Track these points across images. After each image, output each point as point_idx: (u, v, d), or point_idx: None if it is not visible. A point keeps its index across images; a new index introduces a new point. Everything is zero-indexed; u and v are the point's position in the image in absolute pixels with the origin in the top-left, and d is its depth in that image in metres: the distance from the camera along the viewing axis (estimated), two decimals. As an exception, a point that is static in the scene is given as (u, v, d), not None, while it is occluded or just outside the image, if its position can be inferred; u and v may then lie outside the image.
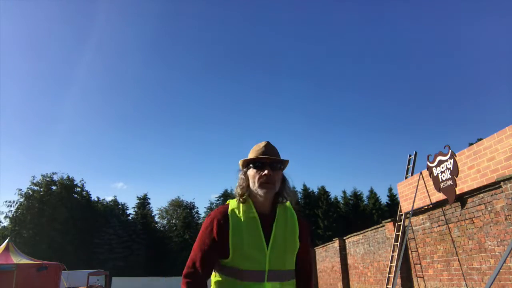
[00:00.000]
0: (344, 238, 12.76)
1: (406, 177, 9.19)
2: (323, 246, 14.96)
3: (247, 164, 1.59)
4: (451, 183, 6.99)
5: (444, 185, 7.24)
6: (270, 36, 71.26)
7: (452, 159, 7.03)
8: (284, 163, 1.60)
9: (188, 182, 72.49)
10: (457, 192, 6.80)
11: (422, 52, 66.73)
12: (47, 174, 42.70)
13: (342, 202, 44.25)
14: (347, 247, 12.53)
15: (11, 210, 39.95)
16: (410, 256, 8.42)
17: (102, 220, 42.62)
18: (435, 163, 7.58)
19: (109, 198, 62.65)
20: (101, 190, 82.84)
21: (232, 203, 1.57)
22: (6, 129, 62.11)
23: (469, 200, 6.54)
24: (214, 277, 1.54)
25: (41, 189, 41.40)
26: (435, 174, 7.58)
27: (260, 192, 1.50)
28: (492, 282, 4.76)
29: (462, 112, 64.54)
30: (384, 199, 44.78)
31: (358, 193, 44.70)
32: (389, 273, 8.49)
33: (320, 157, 70.13)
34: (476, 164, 6.38)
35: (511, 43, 57.15)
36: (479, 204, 6.27)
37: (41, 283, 13.07)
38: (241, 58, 74.19)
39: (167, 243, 44.54)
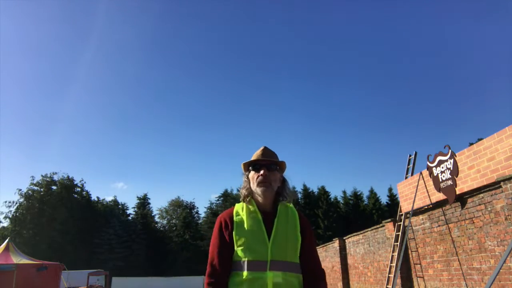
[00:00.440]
0: (344, 238, 12.76)
1: (406, 177, 9.19)
2: (323, 246, 14.96)
3: (247, 167, 1.76)
4: (451, 183, 6.99)
5: (444, 185, 7.24)
6: (270, 35, 71.30)
7: (452, 159, 7.03)
8: (280, 164, 1.76)
9: (188, 182, 72.54)
10: (457, 192, 6.80)
11: (422, 52, 66.75)
12: (46, 174, 42.71)
13: (342, 202, 44.26)
14: (347, 247, 12.53)
15: (11, 211, 39.96)
16: (410, 256, 8.41)
17: (102, 220, 42.60)
18: (435, 163, 7.58)
19: (109, 198, 62.68)
20: (101, 190, 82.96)
21: (238, 206, 1.74)
22: (6, 129, 62.14)
23: (469, 200, 6.54)
24: None
25: (41, 189, 41.40)
26: (435, 174, 7.57)
27: (258, 191, 1.66)
28: (492, 282, 4.76)
29: (462, 112, 64.58)
30: (384, 199, 44.80)
31: (358, 193, 44.71)
32: (389, 273, 8.49)
33: (320, 157, 70.17)
34: (476, 164, 6.38)
35: (511, 43, 57.15)
36: (479, 204, 6.27)
37: (41, 283, 13.07)
38: (241, 58, 74.24)
39: (167, 243, 44.52)
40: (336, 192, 71.78)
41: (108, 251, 39.67)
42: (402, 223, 8.65)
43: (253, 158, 1.74)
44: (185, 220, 46.39)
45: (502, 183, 5.54)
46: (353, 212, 42.44)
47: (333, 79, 71.22)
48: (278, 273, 1.51)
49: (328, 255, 14.06)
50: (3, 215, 40.29)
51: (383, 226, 9.77)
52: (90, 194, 46.07)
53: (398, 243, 8.55)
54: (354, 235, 11.94)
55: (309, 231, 1.69)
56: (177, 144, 72.58)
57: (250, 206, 1.68)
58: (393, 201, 41.40)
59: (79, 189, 44.79)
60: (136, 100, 72.64)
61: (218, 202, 46.95)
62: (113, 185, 69.28)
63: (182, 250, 42.82)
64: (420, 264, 8.03)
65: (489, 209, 6.01)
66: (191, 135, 72.27)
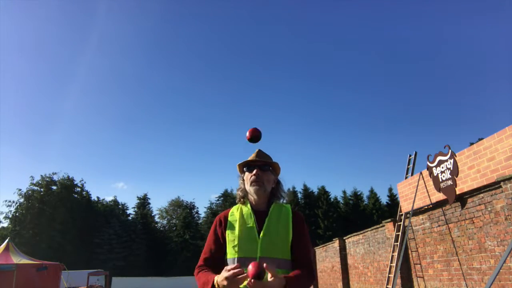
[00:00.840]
0: (344, 238, 12.76)
1: (406, 177, 9.19)
2: (323, 246, 14.96)
3: (242, 169, 1.83)
4: (451, 183, 6.99)
5: (444, 185, 7.24)
6: (271, 35, 71.30)
7: (452, 159, 7.03)
8: (274, 166, 1.82)
9: (188, 182, 72.56)
10: (457, 192, 6.80)
11: (422, 51, 66.75)
12: (45, 174, 42.70)
13: (342, 202, 44.26)
14: (347, 247, 12.53)
15: (11, 210, 39.97)
16: (410, 256, 8.41)
17: (102, 220, 42.63)
18: (435, 163, 7.58)
19: (109, 198, 62.71)
20: (101, 190, 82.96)
21: (234, 207, 1.79)
22: (6, 129, 62.15)
23: (469, 200, 6.54)
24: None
25: (41, 189, 41.40)
26: (435, 174, 7.57)
27: (251, 190, 1.72)
28: (492, 282, 4.76)
29: (462, 112, 64.60)
30: (384, 199, 44.83)
31: (358, 193, 44.72)
32: (389, 273, 8.49)
33: (320, 157, 70.17)
34: (476, 164, 6.38)
35: (511, 43, 57.17)
36: (479, 204, 6.27)
37: (41, 283, 13.07)
38: (241, 57, 74.25)
39: (167, 243, 44.54)
40: (336, 192, 71.83)
41: (108, 251, 39.68)
42: (402, 223, 8.65)
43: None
44: (185, 220, 46.40)
45: (502, 183, 5.54)
46: (353, 212, 42.44)
47: (333, 79, 71.27)
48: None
49: (328, 255, 14.06)
50: (3, 215, 40.33)
51: (383, 226, 9.77)
52: (90, 194, 46.13)
53: (398, 243, 8.55)
54: (354, 235, 11.93)
55: (301, 226, 1.70)
56: (177, 144, 72.63)
57: (244, 207, 1.74)
58: (393, 201, 41.41)
59: (79, 189, 44.81)
60: (136, 100, 72.69)
61: (218, 202, 46.99)
62: (113, 185, 69.35)
63: (182, 250, 42.84)
64: (420, 264, 8.03)
65: (489, 209, 6.01)
66: (191, 135, 72.34)
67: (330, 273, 13.59)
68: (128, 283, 27.60)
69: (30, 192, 40.91)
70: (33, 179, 41.68)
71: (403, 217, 8.71)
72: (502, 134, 5.81)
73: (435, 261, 7.52)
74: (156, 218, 50.15)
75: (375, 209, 41.88)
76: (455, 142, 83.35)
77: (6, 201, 43.20)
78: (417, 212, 8.25)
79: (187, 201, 49.97)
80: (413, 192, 8.34)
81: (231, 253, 1.61)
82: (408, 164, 9.37)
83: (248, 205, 1.73)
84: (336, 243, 13.11)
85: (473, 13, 61.91)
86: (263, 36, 71.82)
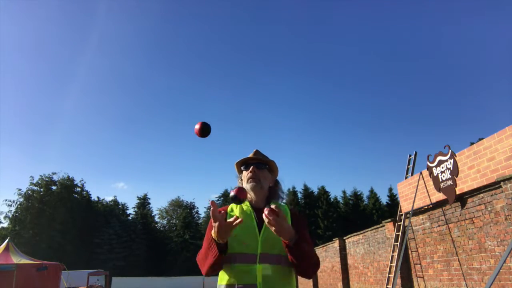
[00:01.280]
0: (344, 238, 12.76)
1: (406, 177, 9.19)
2: (323, 246, 14.96)
3: (240, 169, 1.86)
4: (451, 183, 6.99)
5: (444, 185, 7.24)
6: (272, 34, 71.29)
7: (452, 159, 7.03)
8: (270, 164, 1.84)
9: (188, 182, 72.58)
10: (457, 192, 6.80)
11: (422, 51, 66.76)
12: (44, 174, 42.68)
13: (342, 202, 44.25)
14: (347, 247, 12.53)
15: (11, 210, 39.96)
16: (410, 256, 8.41)
17: (102, 220, 42.63)
18: (435, 163, 7.58)
19: (109, 198, 62.71)
20: (102, 190, 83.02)
21: (233, 204, 1.78)
22: (6, 129, 62.16)
23: (469, 200, 6.54)
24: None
25: (41, 189, 41.39)
26: (435, 174, 7.58)
27: (248, 187, 1.74)
28: (492, 282, 4.77)
29: (462, 112, 64.61)
30: (384, 199, 44.82)
31: (358, 193, 44.71)
32: (389, 273, 8.49)
33: (320, 157, 70.19)
34: (476, 164, 6.38)
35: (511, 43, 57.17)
36: (479, 204, 6.27)
37: (41, 283, 13.07)
38: (242, 56, 74.24)
39: (167, 243, 44.54)
40: (336, 192, 71.83)
41: (108, 251, 39.69)
42: (402, 223, 8.65)
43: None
44: (185, 220, 46.40)
45: (502, 183, 5.55)
46: (353, 212, 42.43)
47: (334, 79, 71.27)
48: (268, 266, 1.54)
49: (328, 255, 14.06)
50: (3, 215, 40.31)
51: (383, 226, 9.78)
52: (90, 194, 46.13)
53: (398, 243, 8.55)
54: (354, 235, 11.94)
55: (301, 223, 1.70)
56: (177, 144, 72.64)
57: (243, 204, 1.74)
58: (393, 201, 41.40)
59: (79, 189, 44.81)
60: (136, 99, 72.70)
61: (218, 202, 46.96)
62: (113, 185, 69.37)
63: (182, 250, 42.84)
64: (420, 264, 8.03)
65: (489, 209, 6.01)
66: (191, 135, 72.29)
67: (330, 273, 13.59)
68: (128, 283, 27.61)
69: (30, 192, 40.91)
70: (33, 179, 41.68)
71: (403, 217, 8.71)
72: (502, 134, 5.81)
73: (435, 261, 7.52)
74: (156, 218, 50.18)
75: (375, 209, 41.87)
76: (455, 142, 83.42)
77: (6, 200, 43.20)
78: (417, 212, 8.25)
79: (187, 201, 49.98)
80: (413, 192, 8.34)
81: (231, 248, 1.59)
82: (408, 164, 9.37)
83: (247, 202, 1.74)
84: (336, 243, 13.11)
85: (473, 13, 61.94)
86: (263, 35, 71.85)
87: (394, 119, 68.27)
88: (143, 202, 48.41)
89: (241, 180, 1.83)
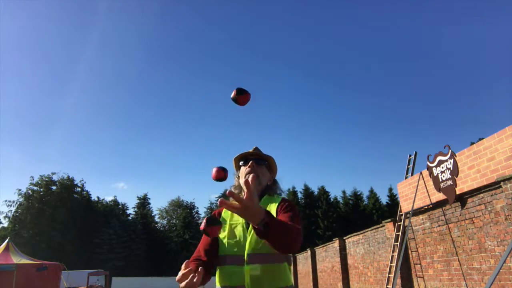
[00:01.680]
0: (344, 238, 12.76)
1: (406, 177, 9.19)
2: (323, 246, 14.95)
3: (238, 165, 1.82)
4: (451, 183, 6.99)
5: (444, 185, 7.24)
6: (273, 34, 71.29)
7: (452, 159, 7.03)
8: (269, 160, 1.79)
9: (188, 182, 72.58)
10: (457, 192, 6.80)
11: (422, 51, 66.75)
12: (44, 174, 42.69)
13: (342, 202, 44.25)
14: (347, 247, 12.52)
15: (11, 210, 39.97)
16: (410, 256, 8.41)
17: (102, 220, 42.64)
18: (435, 163, 7.58)
19: (109, 198, 62.68)
20: (102, 190, 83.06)
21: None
22: (6, 129, 62.14)
23: (469, 200, 6.54)
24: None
25: (41, 189, 41.38)
26: (435, 174, 7.58)
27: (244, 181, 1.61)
28: (492, 282, 4.77)
29: (462, 112, 64.61)
30: (384, 199, 44.83)
31: (358, 193, 44.71)
32: (389, 273, 8.49)
33: (320, 156, 70.18)
34: (476, 164, 6.38)
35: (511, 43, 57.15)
36: (479, 204, 6.27)
37: (41, 283, 13.07)
38: (243, 55, 74.25)
39: (167, 243, 44.54)
40: (336, 192, 71.86)
41: (108, 251, 39.69)
42: (402, 223, 8.65)
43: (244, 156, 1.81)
44: (185, 220, 46.41)
45: (502, 183, 5.54)
46: (353, 212, 42.43)
47: (334, 79, 71.28)
48: (256, 266, 1.49)
49: (328, 255, 14.06)
50: (3, 215, 40.33)
51: (383, 226, 9.77)
52: (90, 194, 46.15)
53: (398, 243, 8.55)
54: (354, 235, 11.93)
55: (284, 207, 1.60)
56: (177, 144, 72.62)
57: (236, 203, 1.66)
58: (393, 201, 41.40)
59: (79, 189, 44.81)
60: (137, 99, 72.67)
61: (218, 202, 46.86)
62: (113, 185, 69.39)
63: (182, 250, 42.85)
64: (420, 264, 8.03)
65: (489, 209, 6.01)
66: (191, 135, 72.34)
67: (330, 273, 13.59)
68: (128, 283, 27.61)
69: (30, 192, 40.91)
70: (33, 179, 41.69)
71: (403, 217, 8.71)
72: (502, 134, 5.81)
73: (435, 261, 7.52)
74: (156, 218, 50.20)
75: (375, 209, 41.87)
76: (455, 142, 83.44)
77: (6, 201, 43.21)
78: (417, 212, 8.25)
79: (187, 201, 50.00)
80: (413, 192, 8.34)
81: (221, 250, 1.57)
82: (408, 164, 9.37)
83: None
84: (336, 243, 13.11)
85: (473, 13, 61.93)
86: (264, 35, 71.85)
87: (394, 119, 68.35)
88: (143, 202, 48.42)
89: (238, 177, 1.79)
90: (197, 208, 50.79)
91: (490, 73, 62.10)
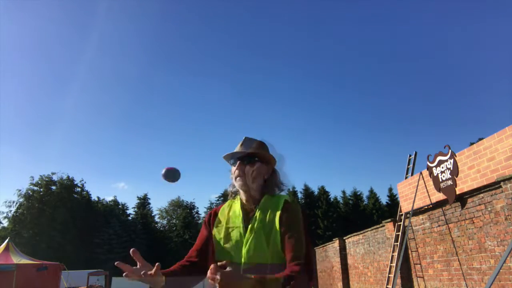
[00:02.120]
0: (344, 238, 12.76)
1: (406, 177, 9.19)
2: (323, 246, 14.96)
3: (229, 162, 1.63)
4: (451, 183, 6.99)
5: (444, 185, 7.24)
6: (273, 34, 71.27)
7: (452, 159, 7.03)
8: (260, 155, 1.55)
9: (188, 182, 72.56)
10: (457, 192, 6.80)
11: (422, 51, 66.75)
12: (44, 174, 42.70)
13: (342, 202, 44.25)
14: (347, 247, 12.52)
15: (11, 210, 39.98)
16: (410, 256, 8.41)
17: (102, 220, 42.65)
18: (435, 163, 7.58)
19: (109, 198, 62.69)
20: (102, 190, 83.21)
21: (227, 202, 1.62)
22: (6, 128, 62.15)
23: (469, 200, 6.54)
24: None
25: (41, 189, 41.39)
26: (435, 174, 7.58)
27: (236, 185, 1.53)
28: (492, 282, 4.77)
29: (462, 112, 64.60)
30: (384, 199, 44.81)
31: (358, 193, 44.72)
32: (389, 273, 8.49)
33: (320, 156, 70.18)
34: (476, 164, 6.38)
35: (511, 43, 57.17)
36: (479, 204, 6.27)
37: (41, 283, 13.07)
38: (243, 55, 74.23)
39: (167, 243, 44.58)
40: (336, 192, 71.85)
41: (108, 251, 39.70)
42: (402, 223, 8.65)
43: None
44: (185, 220, 46.43)
45: (502, 183, 5.54)
46: (353, 212, 42.44)
47: (334, 79, 71.27)
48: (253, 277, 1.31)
49: (328, 255, 14.06)
50: (3, 215, 40.34)
51: (383, 226, 9.77)
52: (90, 194, 46.16)
53: (398, 243, 8.55)
54: (354, 235, 11.93)
55: (290, 217, 1.41)
56: (177, 144, 72.62)
57: (235, 203, 1.55)
58: (393, 201, 41.39)
59: (79, 189, 44.83)
60: (137, 99, 72.67)
61: (218, 202, 46.97)
62: (114, 185, 69.40)
63: (182, 250, 42.86)
64: (420, 264, 8.03)
65: (489, 209, 6.01)
66: (192, 134, 72.34)
67: (330, 273, 13.59)
68: (128, 283, 27.45)
69: (30, 192, 40.92)
70: (33, 179, 41.71)
71: (403, 217, 8.71)
72: (502, 134, 5.81)
73: (435, 261, 7.52)
74: (156, 218, 50.21)
75: (375, 209, 41.88)
76: (455, 142, 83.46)
77: (6, 201, 43.23)
78: (417, 212, 8.25)
79: (187, 201, 49.99)
80: (413, 192, 8.34)
81: (218, 257, 1.44)
82: (408, 164, 9.37)
83: (239, 201, 1.55)
84: (336, 243, 13.11)
85: (473, 13, 61.92)
86: (264, 35, 71.85)
87: (394, 119, 68.34)
88: (143, 202, 48.45)
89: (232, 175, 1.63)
90: (197, 208, 50.84)
91: (490, 73, 62.15)
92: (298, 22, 70.73)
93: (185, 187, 73.95)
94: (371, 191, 44.21)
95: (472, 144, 6.79)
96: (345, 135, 70.37)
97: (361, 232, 11.36)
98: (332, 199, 43.70)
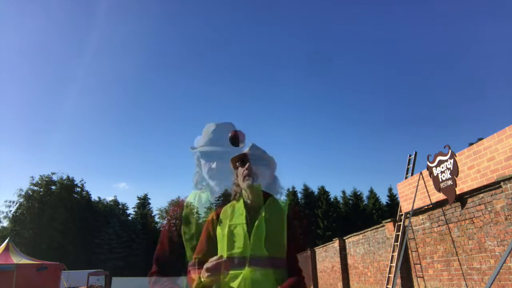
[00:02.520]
0: (344, 238, 12.76)
1: (406, 177, 9.20)
2: (323, 246, 14.96)
3: (236, 164, 1.75)
4: (451, 183, 6.99)
5: (444, 185, 7.25)
6: (273, 34, 71.28)
7: (452, 159, 7.04)
8: (267, 159, 1.75)
9: (188, 182, 72.41)
10: (457, 192, 6.81)
11: (422, 51, 66.76)
12: (44, 174, 42.68)
13: (342, 202, 44.24)
14: (347, 247, 12.53)
15: (11, 210, 40.00)
16: (410, 256, 8.42)
17: (102, 220, 42.65)
18: (435, 163, 7.59)
19: (109, 198, 62.71)
20: (103, 190, 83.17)
21: (228, 204, 1.74)
22: (6, 129, 62.17)
23: (469, 200, 6.54)
24: None
25: (41, 189, 41.41)
26: (435, 174, 7.58)
27: (244, 185, 1.65)
28: (492, 282, 4.77)
29: (462, 112, 64.57)
30: (384, 199, 44.76)
31: (358, 193, 44.68)
32: (389, 273, 8.49)
33: (320, 156, 70.18)
34: (476, 164, 6.39)
35: (511, 43, 57.20)
36: (479, 204, 6.27)
37: (41, 283, 13.08)
38: (243, 56, 74.22)
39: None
40: (336, 192, 71.79)
41: (108, 251, 39.69)
42: (402, 223, 8.65)
43: (238, 155, 1.77)
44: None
45: (502, 183, 5.55)
46: (353, 212, 42.41)
47: (334, 79, 71.25)
48: (257, 270, 1.47)
49: (328, 255, 14.06)
50: (3, 215, 40.32)
51: (383, 226, 9.78)
52: (90, 194, 46.16)
53: (398, 243, 8.55)
54: (354, 235, 11.94)
55: (295, 224, 1.65)
56: (178, 144, 72.61)
57: (237, 203, 1.68)
58: (393, 201, 41.38)
59: (79, 189, 44.83)
60: (137, 99, 72.68)
61: (218, 202, 46.91)
62: (115, 185, 69.39)
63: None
64: (420, 264, 8.03)
65: (489, 209, 6.02)
66: (192, 134, 72.26)
67: (330, 273, 13.60)
68: (128, 283, 27.60)
69: (30, 192, 40.92)
70: (33, 179, 41.71)
71: (403, 217, 8.71)
72: (502, 134, 5.82)
73: (435, 261, 7.52)
74: (156, 218, 50.20)
75: (375, 209, 41.87)
76: (455, 142, 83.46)
77: (6, 201, 43.22)
78: (417, 212, 8.25)
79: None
80: (413, 192, 8.34)
81: (221, 251, 1.55)
82: (408, 164, 9.38)
83: (242, 201, 1.67)
84: (336, 243, 13.11)
85: (473, 13, 61.93)
86: (264, 36, 71.81)
87: (394, 119, 68.28)
88: (143, 202, 48.43)
89: (236, 176, 1.75)
90: (197, 208, 50.80)
91: (490, 73, 62.12)
92: (298, 22, 70.79)
93: (185, 187, 73.99)
94: (371, 191, 44.20)
95: (471, 144, 6.78)
96: (345, 135, 70.37)
97: (361, 232, 11.37)
98: (332, 199, 43.66)
